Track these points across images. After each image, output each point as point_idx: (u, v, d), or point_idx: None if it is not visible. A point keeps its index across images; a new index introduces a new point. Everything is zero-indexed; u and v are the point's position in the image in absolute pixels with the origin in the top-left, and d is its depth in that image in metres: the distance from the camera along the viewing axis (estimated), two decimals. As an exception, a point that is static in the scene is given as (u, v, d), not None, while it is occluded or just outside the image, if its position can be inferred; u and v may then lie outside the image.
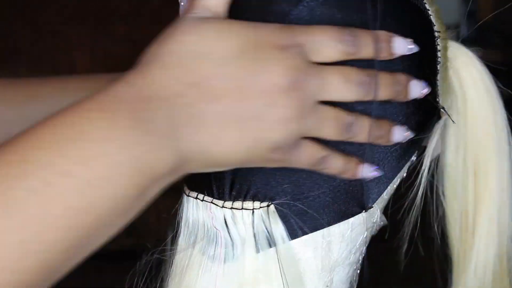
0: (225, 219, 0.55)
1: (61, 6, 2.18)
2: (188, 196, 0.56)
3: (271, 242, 0.55)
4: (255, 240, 0.55)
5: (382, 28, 0.53)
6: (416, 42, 0.54)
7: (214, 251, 0.55)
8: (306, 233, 0.55)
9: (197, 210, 0.56)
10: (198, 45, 0.48)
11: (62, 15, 2.17)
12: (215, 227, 0.55)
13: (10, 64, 2.10)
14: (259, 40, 0.49)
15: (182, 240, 0.57)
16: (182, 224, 0.56)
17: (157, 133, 0.47)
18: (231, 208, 0.55)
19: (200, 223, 0.56)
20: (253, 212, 0.55)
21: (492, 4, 3.04)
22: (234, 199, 0.55)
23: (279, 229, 0.55)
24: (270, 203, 0.56)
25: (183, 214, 0.56)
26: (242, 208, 0.55)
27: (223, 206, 0.55)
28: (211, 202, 0.55)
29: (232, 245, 0.55)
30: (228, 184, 0.55)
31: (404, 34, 0.54)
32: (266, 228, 0.56)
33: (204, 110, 0.48)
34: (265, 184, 0.55)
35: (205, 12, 0.50)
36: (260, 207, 0.55)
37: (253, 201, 0.55)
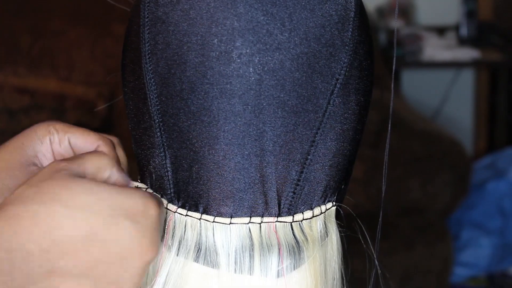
0: (293, 233, 0.55)
1: (61, 6, 2.18)
2: (231, 223, 0.55)
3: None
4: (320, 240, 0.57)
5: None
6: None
7: (278, 266, 0.55)
8: None
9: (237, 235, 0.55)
10: (62, 213, 0.48)
11: (62, 15, 2.17)
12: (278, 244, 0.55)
13: (10, 64, 2.10)
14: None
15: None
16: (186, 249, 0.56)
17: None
18: (303, 219, 0.56)
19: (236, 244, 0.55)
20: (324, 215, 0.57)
21: (492, 4, 3.04)
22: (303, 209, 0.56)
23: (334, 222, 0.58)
24: (334, 203, 0.57)
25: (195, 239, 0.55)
26: (312, 216, 0.56)
27: (293, 221, 0.55)
28: (276, 222, 0.55)
29: (299, 253, 0.55)
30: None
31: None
32: (326, 226, 0.58)
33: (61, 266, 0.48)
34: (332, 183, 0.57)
35: (80, 172, 0.51)
36: (327, 209, 0.57)
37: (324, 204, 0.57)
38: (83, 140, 0.61)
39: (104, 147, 0.60)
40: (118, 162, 0.60)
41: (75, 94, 2.11)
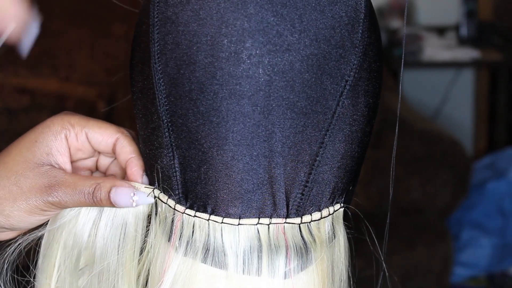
0: (301, 234, 0.55)
1: (61, 6, 2.18)
2: (240, 224, 0.55)
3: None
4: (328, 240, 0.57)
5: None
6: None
7: (285, 267, 0.55)
8: None
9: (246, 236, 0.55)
10: None
11: (62, 15, 2.17)
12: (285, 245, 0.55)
13: (10, 64, 2.10)
14: None
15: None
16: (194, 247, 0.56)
17: None
18: (311, 221, 0.56)
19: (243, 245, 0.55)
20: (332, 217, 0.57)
21: (492, 4, 3.04)
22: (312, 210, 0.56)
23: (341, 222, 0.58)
24: (342, 204, 0.57)
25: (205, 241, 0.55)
26: (321, 218, 0.56)
27: (301, 222, 0.55)
28: (285, 223, 0.55)
29: (306, 255, 0.56)
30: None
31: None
32: (333, 226, 0.58)
33: None
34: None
35: None
36: (335, 211, 0.57)
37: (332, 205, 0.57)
38: (101, 134, 0.61)
39: (123, 140, 0.60)
40: (139, 154, 0.60)
41: (75, 94, 2.11)
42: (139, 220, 0.59)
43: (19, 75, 2.08)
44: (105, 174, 0.64)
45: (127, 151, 0.61)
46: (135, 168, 0.60)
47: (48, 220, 0.61)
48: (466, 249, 2.40)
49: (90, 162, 0.64)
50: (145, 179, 0.60)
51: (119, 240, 0.59)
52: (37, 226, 0.61)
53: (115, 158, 0.63)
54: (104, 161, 0.64)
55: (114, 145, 0.61)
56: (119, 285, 0.59)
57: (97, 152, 0.63)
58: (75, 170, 0.62)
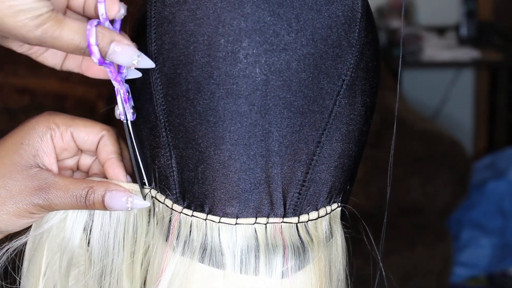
0: (298, 233, 0.56)
1: (61, 6, 2.18)
2: (237, 224, 0.55)
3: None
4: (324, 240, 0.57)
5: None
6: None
7: (283, 266, 0.55)
8: None
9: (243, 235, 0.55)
10: None
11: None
12: (283, 243, 0.55)
13: (10, 64, 2.10)
14: None
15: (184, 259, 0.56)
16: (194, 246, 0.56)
17: None
18: (308, 220, 0.56)
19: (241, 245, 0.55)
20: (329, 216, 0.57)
21: (492, 4, 3.04)
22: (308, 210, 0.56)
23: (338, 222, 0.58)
24: (339, 204, 0.57)
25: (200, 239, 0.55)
26: (318, 217, 0.56)
27: (298, 222, 0.56)
28: (282, 222, 0.55)
29: (304, 254, 0.56)
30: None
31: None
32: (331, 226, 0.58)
33: None
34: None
35: None
36: (332, 210, 0.57)
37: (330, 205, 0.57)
38: (86, 132, 0.60)
39: (108, 139, 0.60)
40: (120, 155, 0.60)
41: (75, 94, 2.11)
42: (143, 216, 0.59)
43: (19, 75, 2.08)
44: (87, 173, 0.64)
45: (108, 150, 0.60)
46: (117, 169, 0.59)
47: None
48: (466, 249, 2.40)
49: (72, 162, 0.63)
50: (129, 179, 0.60)
51: (124, 238, 0.59)
52: (24, 229, 0.61)
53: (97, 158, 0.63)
54: (86, 161, 0.63)
55: (98, 143, 0.61)
56: (123, 283, 0.59)
57: (79, 151, 0.63)
58: (58, 170, 0.62)
